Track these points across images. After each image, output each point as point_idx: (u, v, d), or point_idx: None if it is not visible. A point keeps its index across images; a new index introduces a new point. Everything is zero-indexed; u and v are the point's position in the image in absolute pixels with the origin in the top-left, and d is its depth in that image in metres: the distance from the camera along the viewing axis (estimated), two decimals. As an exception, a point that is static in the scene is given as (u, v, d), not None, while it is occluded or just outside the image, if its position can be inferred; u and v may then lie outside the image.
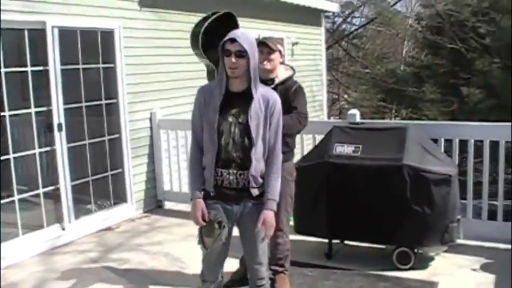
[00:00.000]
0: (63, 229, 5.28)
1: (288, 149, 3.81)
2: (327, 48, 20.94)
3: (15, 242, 4.84)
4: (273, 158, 2.87)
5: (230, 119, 2.79)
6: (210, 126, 2.80)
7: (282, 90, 3.71)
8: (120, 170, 6.01)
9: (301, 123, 3.74)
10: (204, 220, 2.83)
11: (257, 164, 2.81)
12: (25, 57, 4.84)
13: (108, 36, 5.72)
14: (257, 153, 2.80)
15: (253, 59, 2.73)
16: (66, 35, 5.18)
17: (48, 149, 5.15)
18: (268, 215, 2.83)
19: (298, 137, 4.62)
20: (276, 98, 2.87)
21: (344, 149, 4.38)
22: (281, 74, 3.85)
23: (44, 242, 5.04)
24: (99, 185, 5.79)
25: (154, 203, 6.47)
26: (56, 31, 5.02)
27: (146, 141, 6.30)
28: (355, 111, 5.08)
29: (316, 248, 4.65)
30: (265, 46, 3.71)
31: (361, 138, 4.41)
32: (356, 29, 22.36)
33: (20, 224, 4.88)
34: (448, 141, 4.84)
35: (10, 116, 4.74)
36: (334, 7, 11.07)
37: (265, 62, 3.71)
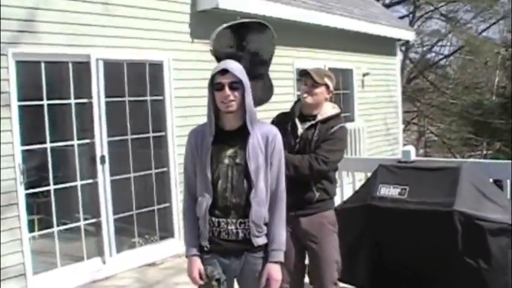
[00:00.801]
0: (104, 262, 5.19)
1: (328, 196, 3.41)
2: (411, 79, 20.27)
3: (54, 273, 4.81)
4: (276, 202, 2.54)
5: (226, 161, 2.50)
6: (203, 171, 2.50)
7: (322, 129, 3.32)
8: (167, 204, 5.87)
9: (312, 169, 3.18)
10: (201, 278, 2.53)
11: (258, 209, 2.47)
12: (69, 90, 4.86)
13: (157, 68, 5.67)
14: (258, 197, 2.47)
15: (248, 91, 2.45)
16: (112, 68, 5.17)
17: (90, 181, 5.10)
18: (273, 269, 2.50)
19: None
20: (275, 133, 2.54)
21: (389, 191, 3.93)
22: (325, 110, 3.40)
23: (83, 275, 4.96)
24: (145, 219, 5.68)
25: (204, 240, 6.24)
26: (101, 63, 5.01)
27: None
28: (409, 148, 4.60)
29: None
30: (309, 77, 3.32)
31: (408, 179, 3.94)
32: (441, 58, 21.39)
33: (58, 254, 4.84)
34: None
35: (52, 148, 4.76)
36: (410, 35, 10.54)
37: (305, 95, 3.33)
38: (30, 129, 4.72)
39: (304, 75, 3.36)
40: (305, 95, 3.33)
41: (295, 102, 3.53)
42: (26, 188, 4.61)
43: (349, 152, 8.42)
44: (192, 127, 5.79)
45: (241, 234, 2.49)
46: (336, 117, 3.39)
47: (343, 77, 8.82)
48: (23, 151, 4.56)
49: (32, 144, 4.70)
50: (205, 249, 2.53)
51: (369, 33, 8.66)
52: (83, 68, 4.96)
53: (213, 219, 2.50)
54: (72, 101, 4.90)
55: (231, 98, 2.42)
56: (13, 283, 4.47)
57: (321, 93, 3.33)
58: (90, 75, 4.97)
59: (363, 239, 3.95)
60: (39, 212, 5.58)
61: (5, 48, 4.35)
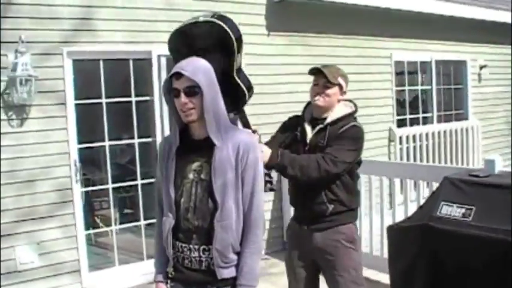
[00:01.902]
0: (165, 264, 5.09)
1: (344, 207, 2.96)
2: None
3: (111, 271, 4.81)
4: (249, 227, 2.12)
5: (191, 175, 2.13)
6: (166, 187, 2.17)
7: (333, 132, 2.91)
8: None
9: (320, 169, 2.76)
10: None
11: (224, 235, 2.08)
12: (129, 87, 4.80)
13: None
14: (224, 220, 2.07)
15: (209, 94, 2.05)
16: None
17: (152, 180, 5.01)
18: None
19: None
20: (248, 142, 2.12)
21: (451, 211, 3.28)
22: (336, 110, 2.98)
23: (141, 275, 4.89)
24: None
25: (280, 244, 5.88)
26: (163, 60, 4.88)
27: (273, 176, 5.81)
28: (495, 157, 3.84)
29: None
30: (322, 77, 2.91)
31: (477, 198, 3.25)
32: None
33: (116, 253, 4.83)
34: None
35: (110, 146, 4.74)
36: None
37: (317, 97, 2.93)
38: (88, 127, 4.73)
39: (315, 74, 2.95)
40: (316, 97, 2.92)
41: (306, 105, 3.12)
42: (82, 186, 4.63)
43: (459, 152, 7.58)
44: (269, 125, 5.56)
45: (204, 264, 2.12)
46: (348, 116, 2.97)
47: (455, 70, 7.90)
48: (80, 149, 4.58)
49: (89, 142, 4.71)
50: (170, 276, 2.22)
51: (487, 20, 7.63)
52: (144, 64, 4.86)
53: (177, 243, 2.16)
54: (133, 98, 4.82)
55: (189, 105, 2.05)
56: (67, 279, 4.53)
57: (334, 95, 2.93)
58: (152, 72, 4.85)
59: (418, 264, 3.36)
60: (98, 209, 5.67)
61: (60, 47, 4.37)
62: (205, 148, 2.11)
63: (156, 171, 2.32)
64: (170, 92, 2.11)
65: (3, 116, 4.22)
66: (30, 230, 4.35)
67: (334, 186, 2.93)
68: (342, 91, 2.99)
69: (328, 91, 2.93)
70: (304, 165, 2.78)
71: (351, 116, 3.00)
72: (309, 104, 3.12)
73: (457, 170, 4.12)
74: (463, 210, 3.24)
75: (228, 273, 2.13)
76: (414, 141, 7.08)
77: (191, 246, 2.13)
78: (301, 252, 3.06)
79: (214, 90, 2.10)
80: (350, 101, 3.10)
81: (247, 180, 2.11)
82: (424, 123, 7.52)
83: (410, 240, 3.42)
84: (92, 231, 5.24)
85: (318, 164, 2.78)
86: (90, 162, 5.77)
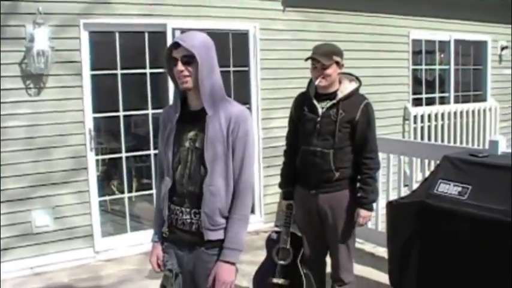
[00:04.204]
0: (176, 232, 5.25)
1: (349, 175, 3.26)
2: None
3: (122, 237, 4.99)
4: (238, 194, 2.26)
5: (187, 144, 2.27)
6: (166, 153, 2.32)
7: (347, 107, 3.18)
8: (249, 179, 5.75)
9: (375, 176, 3.31)
10: (159, 266, 2.40)
11: (212, 199, 2.22)
12: (144, 59, 4.91)
13: (241, 38, 5.49)
14: (212, 185, 2.21)
15: (205, 64, 2.18)
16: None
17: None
18: (223, 269, 2.24)
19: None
20: (240, 115, 2.24)
21: (448, 189, 3.35)
22: (344, 86, 3.23)
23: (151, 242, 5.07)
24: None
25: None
26: (178, 33, 4.97)
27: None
28: (498, 138, 3.87)
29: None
30: (317, 62, 3.14)
31: (474, 177, 3.30)
32: None
33: (128, 220, 5.01)
34: None
35: (124, 116, 4.88)
36: None
37: (319, 79, 3.16)
38: (103, 97, 4.88)
39: (311, 60, 3.17)
40: (318, 80, 3.15)
41: (309, 81, 3.32)
42: (98, 154, 4.80)
43: (475, 134, 7.54)
44: (280, 100, 5.63)
45: (194, 226, 2.28)
46: (356, 91, 3.25)
47: (475, 50, 7.82)
48: (95, 118, 4.73)
49: (104, 112, 4.87)
50: (164, 236, 2.38)
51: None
52: (159, 37, 4.97)
53: (172, 206, 2.32)
54: (148, 70, 4.94)
55: (185, 73, 2.18)
56: (80, 243, 4.74)
57: (334, 72, 3.16)
58: (166, 45, 4.93)
59: (414, 241, 3.44)
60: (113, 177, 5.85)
61: (77, 19, 4.50)
62: (200, 118, 2.24)
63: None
64: (170, 62, 2.24)
65: (21, 85, 4.38)
66: (45, 195, 4.55)
67: (342, 157, 3.21)
68: (339, 65, 3.19)
69: (327, 71, 3.14)
70: (373, 186, 3.28)
71: (358, 90, 3.25)
72: (310, 81, 3.32)
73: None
74: (459, 189, 3.30)
75: (215, 235, 2.26)
76: (429, 120, 7.07)
77: (183, 209, 2.29)
78: (308, 212, 3.34)
79: (211, 63, 2.22)
80: (351, 74, 3.31)
81: (237, 151, 2.24)
82: (441, 103, 7.49)
83: (408, 216, 3.48)
84: (105, 198, 5.41)
85: (372, 177, 3.26)
86: (105, 131, 5.95)
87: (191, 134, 2.27)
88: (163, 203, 2.33)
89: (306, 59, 3.21)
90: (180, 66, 2.17)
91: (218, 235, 2.27)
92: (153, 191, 5.14)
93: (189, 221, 2.28)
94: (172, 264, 2.35)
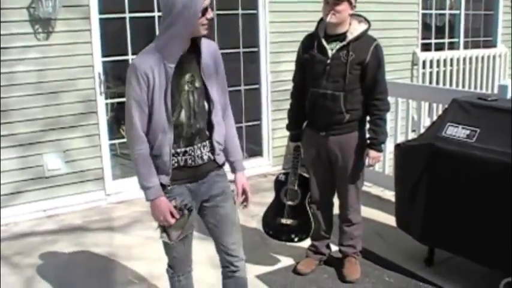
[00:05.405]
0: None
1: (358, 118, 3.32)
2: None
3: (133, 180, 5.04)
4: (229, 115, 2.56)
5: (186, 87, 2.33)
6: (164, 103, 2.26)
7: (357, 48, 3.17)
8: (257, 122, 5.79)
9: (385, 116, 3.36)
10: (173, 215, 2.38)
11: (219, 128, 2.45)
12: (153, 3, 4.87)
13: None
14: (217, 116, 2.43)
15: None
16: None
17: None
18: (244, 177, 2.58)
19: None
20: (217, 47, 2.46)
21: (457, 132, 3.37)
22: (354, 28, 3.20)
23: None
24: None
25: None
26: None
27: (292, 94, 5.93)
28: (508, 82, 3.87)
29: (421, 248, 3.73)
30: None
31: (482, 120, 3.32)
32: None
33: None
34: None
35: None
36: None
37: (329, 15, 3.10)
38: (112, 41, 4.85)
39: None
40: (328, 15, 3.09)
41: (318, 22, 3.29)
42: (107, 98, 4.82)
43: (484, 79, 7.50)
44: (289, 43, 5.56)
45: (205, 156, 2.42)
46: (365, 32, 3.22)
47: (486, -6, 7.70)
48: (104, 62, 4.73)
49: (113, 56, 4.86)
50: (169, 187, 2.38)
51: None
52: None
53: (178, 150, 2.36)
54: (156, 13, 4.90)
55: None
56: (91, 185, 4.83)
57: (344, 10, 3.10)
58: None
59: (421, 183, 3.50)
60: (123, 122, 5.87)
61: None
62: (191, 59, 2.32)
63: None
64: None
65: (30, 30, 4.37)
66: (56, 139, 4.62)
67: (352, 99, 3.23)
68: (351, 6, 3.14)
69: (338, 7, 3.09)
70: (383, 127, 3.33)
71: (367, 31, 3.22)
72: (320, 21, 3.28)
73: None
74: (468, 132, 3.33)
75: (223, 158, 2.52)
76: (438, 66, 7.02)
77: (194, 146, 2.38)
78: (317, 153, 3.40)
79: None
80: (359, 15, 3.27)
81: (221, 79, 2.47)
82: (450, 48, 7.41)
83: (415, 159, 3.54)
84: (115, 141, 5.47)
85: (382, 119, 3.30)
86: (114, 75, 5.95)
87: (187, 76, 2.32)
88: (168, 156, 2.32)
89: None
90: (211, 14, 2.26)
91: (223, 158, 2.52)
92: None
93: (200, 155, 2.40)
94: (190, 202, 2.43)
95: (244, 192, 2.57)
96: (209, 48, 2.39)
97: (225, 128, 2.50)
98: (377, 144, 3.32)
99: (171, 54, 2.24)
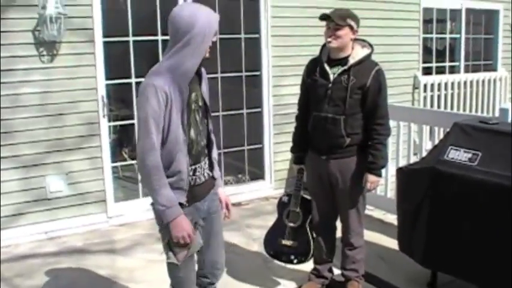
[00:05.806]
0: (187, 199, 5.34)
1: (360, 141, 3.30)
2: None
3: (135, 203, 5.08)
4: (212, 133, 2.65)
5: (193, 106, 2.42)
6: (180, 121, 2.30)
7: (358, 73, 3.19)
8: (259, 146, 5.81)
9: (385, 141, 3.37)
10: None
11: (214, 145, 2.65)
12: (156, 26, 4.93)
13: (252, 4, 5.48)
14: (212, 132, 2.64)
15: None
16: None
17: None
18: (225, 193, 2.72)
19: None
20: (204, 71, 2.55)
21: (458, 155, 3.39)
22: (356, 52, 3.23)
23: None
24: (235, 159, 5.72)
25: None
26: (190, 0, 4.97)
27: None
28: (508, 106, 3.90)
29: (424, 272, 3.71)
30: (330, 21, 3.13)
31: (484, 144, 3.34)
32: None
33: (141, 185, 5.08)
34: None
35: (136, 83, 4.91)
36: None
37: (330, 39, 3.15)
38: (116, 64, 4.90)
39: (326, 19, 3.15)
40: (329, 40, 3.14)
41: (322, 47, 3.33)
42: (110, 121, 4.85)
43: (485, 103, 7.53)
44: (291, 67, 5.60)
45: (206, 173, 2.53)
46: (368, 57, 3.25)
47: (486, 19, 7.75)
48: (107, 85, 4.77)
49: (116, 78, 4.91)
50: (186, 205, 2.38)
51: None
52: (170, 4, 4.93)
53: (191, 168, 2.43)
54: (160, 37, 4.95)
55: None
56: (93, 208, 4.83)
57: (345, 35, 3.13)
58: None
59: (423, 207, 3.49)
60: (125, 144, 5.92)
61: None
62: (195, 79, 2.42)
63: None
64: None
65: (34, 52, 4.42)
66: (59, 161, 4.63)
67: (353, 123, 3.25)
68: (353, 31, 3.18)
69: (339, 32, 3.13)
70: (383, 152, 3.31)
71: (370, 56, 3.26)
72: (323, 46, 3.33)
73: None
74: (470, 155, 3.34)
75: (217, 173, 2.65)
76: (439, 89, 7.06)
77: (202, 163, 2.48)
78: (319, 177, 3.41)
79: None
80: (364, 40, 3.30)
81: (207, 97, 2.55)
82: (451, 72, 7.46)
83: (418, 182, 3.54)
84: (118, 164, 5.48)
85: (382, 143, 3.29)
86: (117, 98, 5.99)
87: (193, 95, 2.41)
88: (187, 175, 2.36)
89: (321, 18, 3.17)
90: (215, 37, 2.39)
91: (217, 173, 2.65)
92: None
93: (205, 171, 2.50)
94: (196, 218, 2.46)
95: (227, 206, 2.72)
96: (200, 70, 2.48)
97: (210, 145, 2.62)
98: (376, 168, 3.31)
99: (185, 74, 2.29)
